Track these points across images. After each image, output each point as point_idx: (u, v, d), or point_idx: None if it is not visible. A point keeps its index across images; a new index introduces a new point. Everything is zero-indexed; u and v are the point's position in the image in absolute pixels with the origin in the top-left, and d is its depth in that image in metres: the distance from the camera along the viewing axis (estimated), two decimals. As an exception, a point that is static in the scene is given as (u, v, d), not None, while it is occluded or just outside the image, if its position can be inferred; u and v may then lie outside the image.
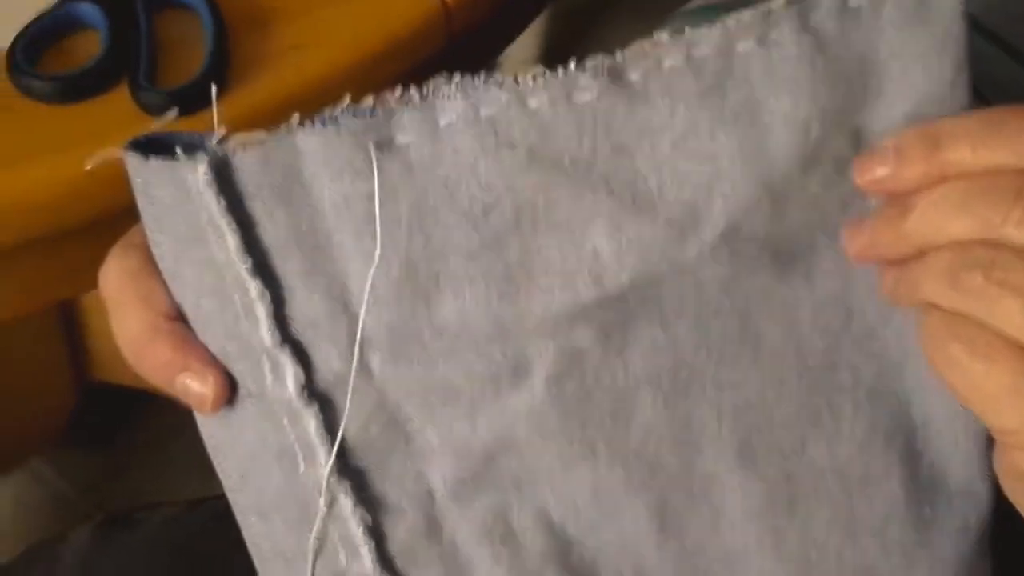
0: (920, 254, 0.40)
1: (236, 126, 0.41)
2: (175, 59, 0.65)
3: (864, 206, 0.42)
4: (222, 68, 0.64)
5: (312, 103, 0.41)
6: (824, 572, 0.46)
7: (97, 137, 0.62)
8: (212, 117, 0.42)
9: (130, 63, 0.64)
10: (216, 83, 0.63)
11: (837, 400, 0.45)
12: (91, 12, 0.66)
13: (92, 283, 0.45)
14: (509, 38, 0.87)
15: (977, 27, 0.59)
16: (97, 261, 0.45)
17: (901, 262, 0.41)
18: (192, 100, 0.61)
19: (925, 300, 0.40)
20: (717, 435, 0.45)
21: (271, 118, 0.41)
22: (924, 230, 0.39)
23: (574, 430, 0.44)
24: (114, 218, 0.46)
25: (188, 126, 0.43)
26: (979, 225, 0.38)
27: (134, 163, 0.41)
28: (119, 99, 0.64)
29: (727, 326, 0.44)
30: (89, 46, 0.65)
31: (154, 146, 0.41)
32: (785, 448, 0.45)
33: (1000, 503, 0.45)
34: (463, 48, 0.74)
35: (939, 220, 0.39)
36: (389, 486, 0.45)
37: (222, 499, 0.47)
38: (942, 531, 0.46)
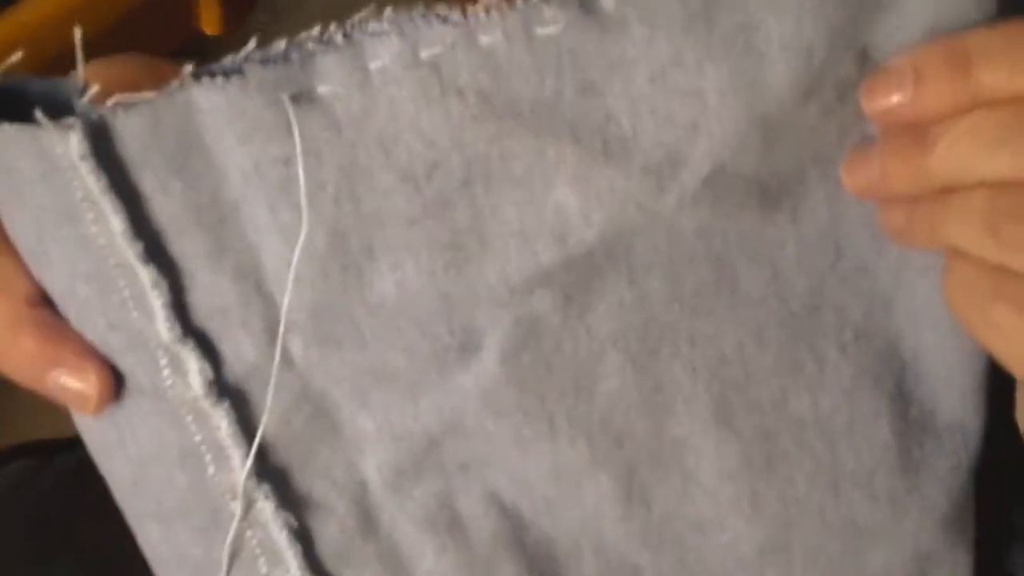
0: (941, 192, 0.34)
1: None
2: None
3: (863, 132, 0.36)
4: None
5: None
6: (804, 531, 0.41)
7: None
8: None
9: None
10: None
11: (821, 345, 0.40)
12: None
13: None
14: None
15: None
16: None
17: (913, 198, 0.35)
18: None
19: (951, 245, 0.34)
20: (691, 395, 0.39)
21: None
22: (951, 167, 0.33)
23: (532, 406, 0.38)
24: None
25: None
26: (1020, 164, 0.32)
27: None
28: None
29: (702, 274, 0.38)
30: None
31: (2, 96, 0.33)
32: (764, 403, 0.40)
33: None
34: None
35: (971, 157, 0.33)
36: (316, 482, 0.38)
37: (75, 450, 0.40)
38: (932, 473, 0.42)
